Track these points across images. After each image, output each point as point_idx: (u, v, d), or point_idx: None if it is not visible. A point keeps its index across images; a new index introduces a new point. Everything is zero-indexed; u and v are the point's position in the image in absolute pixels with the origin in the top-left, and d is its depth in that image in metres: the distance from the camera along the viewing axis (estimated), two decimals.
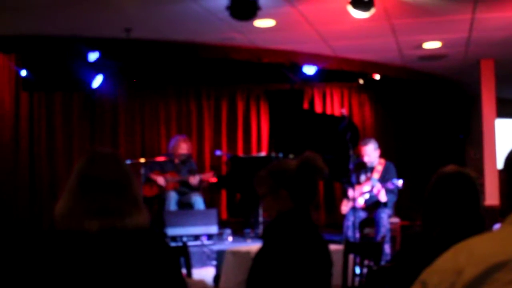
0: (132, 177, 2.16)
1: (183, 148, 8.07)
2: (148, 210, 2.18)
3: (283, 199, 2.61)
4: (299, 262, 2.50)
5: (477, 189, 2.58)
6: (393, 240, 7.16)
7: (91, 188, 2.05)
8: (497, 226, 3.23)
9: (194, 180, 7.89)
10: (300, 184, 2.62)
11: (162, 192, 7.86)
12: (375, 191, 7.00)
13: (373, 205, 7.17)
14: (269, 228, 2.66)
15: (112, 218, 2.01)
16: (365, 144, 7.31)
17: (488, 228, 2.70)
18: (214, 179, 8.19)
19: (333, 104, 9.98)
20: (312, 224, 2.65)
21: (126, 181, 2.11)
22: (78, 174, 2.09)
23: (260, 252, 2.56)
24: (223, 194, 9.54)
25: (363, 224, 7.23)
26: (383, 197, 6.98)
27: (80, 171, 2.10)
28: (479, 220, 2.55)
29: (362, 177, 7.30)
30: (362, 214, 7.18)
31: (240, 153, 9.60)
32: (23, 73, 8.27)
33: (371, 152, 7.26)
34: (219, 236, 7.45)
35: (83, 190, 2.05)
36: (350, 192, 7.14)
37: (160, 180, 7.85)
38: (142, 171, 7.68)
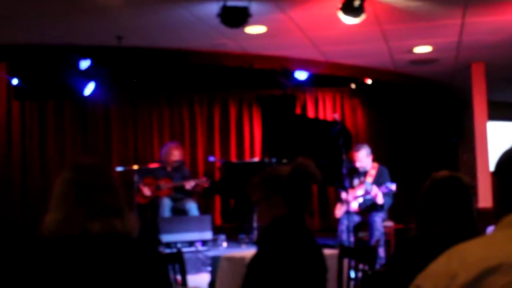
0: (118, 184, 2.18)
1: (175, 155, 8.06)
2: (141, 217, 2.20)
3: (277, 205, 2.61)
4: (294, 268, 2.50)
5: (470, 194, 2.61)
6: (387, 244, 7.17)
7: (87, 192, 2.06)
8: (490, 228, 3.25)
9: (189, 184, 7.89)
10: (293, 190, 2.62)
11: (155, 199, 7.84)
12: (372, 194, 7.00)
13: (367, 208, 7.18)
14: (263, 234, 2.66)
15: (112, 217, 2.04)
16: (358, 150, 7.32)
17: (482, 230, 2.73)
18: (207, 185, 8.18)
19: (326, 109, 10.01)
20: (306, 230, 2.65)
21: (114, 186, 2.14)
22: (68, 183, 2.10)
23: (255, 258, 2.56)
24: (217, 200, 9.54)
25: (357, 228, 7.25)
26: (380, 200, 6.99)
27: (69, 179, 2.11)
28: (473, 224, 2.57)
29: (355, 182, 7.31)
30: (356, 218, 7.19)
31: (233, 158, 9.60)
32: (15, 81, 8.25)
33: (363, 158, 7.27)
34: (214, 242, 7.43)
35: (79, 195, 2.06)
36: (344, 195, 7.14)
37: (146, 190, 7.83)
38: (135, 178, 7.67)
